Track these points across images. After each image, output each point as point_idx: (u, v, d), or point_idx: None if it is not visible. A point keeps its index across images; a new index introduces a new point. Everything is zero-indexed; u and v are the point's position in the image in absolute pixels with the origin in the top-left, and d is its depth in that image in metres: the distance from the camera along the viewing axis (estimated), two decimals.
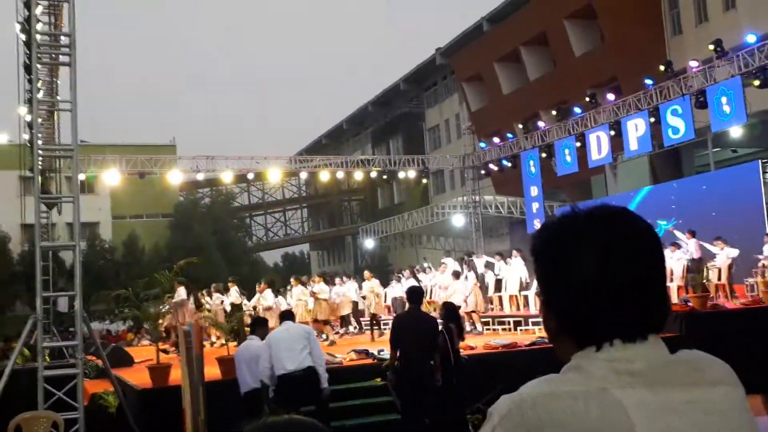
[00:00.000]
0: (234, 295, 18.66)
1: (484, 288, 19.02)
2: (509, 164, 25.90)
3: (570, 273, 1.28)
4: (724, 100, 17.81)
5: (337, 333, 18.73)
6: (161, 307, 12.78)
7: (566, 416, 1.18)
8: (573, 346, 1.29)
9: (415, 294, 9.56)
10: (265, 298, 17.84)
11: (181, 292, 18.61)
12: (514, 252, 19.76)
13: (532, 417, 1.20)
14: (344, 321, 19.49)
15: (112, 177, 24.77)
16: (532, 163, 24.53)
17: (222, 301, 18.79)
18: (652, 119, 19.73)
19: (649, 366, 1.23)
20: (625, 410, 1.17)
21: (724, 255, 15.73)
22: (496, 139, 27.04)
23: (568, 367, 1.27)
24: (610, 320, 1.25)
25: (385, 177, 28.85)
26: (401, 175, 28.53)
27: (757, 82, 17.16)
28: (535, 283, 18.70)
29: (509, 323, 17.10)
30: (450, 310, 10.22)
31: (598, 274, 1.25)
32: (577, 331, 1.28)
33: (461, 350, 10.20)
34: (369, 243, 42.68)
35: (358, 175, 28.21)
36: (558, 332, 1.32)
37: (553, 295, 1.33)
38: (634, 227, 1.30)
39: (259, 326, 9.38)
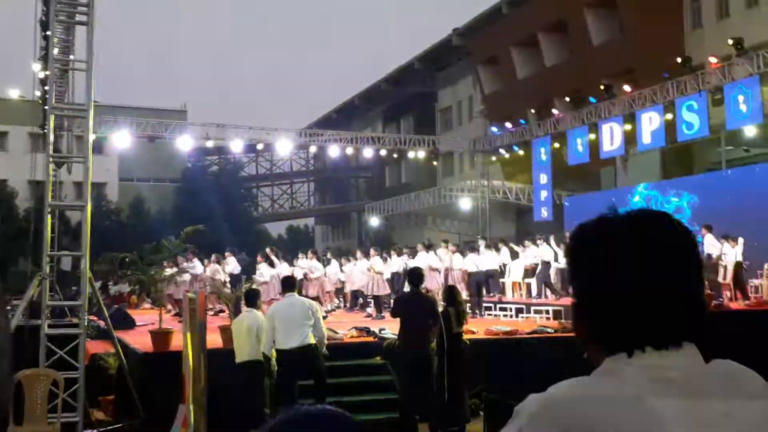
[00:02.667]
0: (232, 264, 18.66)
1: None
2: (520, 150, 25.81)
3: (605, 276, 1.25)
4: (741, 98, 17.69)
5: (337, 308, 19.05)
6: (168, 273, 12.80)
7: (600, 422, 1.15)
8: (604, 350, 1.26)
9: (416, 275, 9.58)
10: (262, 274, 17.87)
11: (197, 264, 18.70)
12: (527, 242, 19.68)
13: (564, 420, 1.16)
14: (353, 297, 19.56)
15: (121, 139, 24.74)
16: (543, 150, 24.44)
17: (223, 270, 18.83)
18: (667, 113, 19.62)
19: (686, 375, 1.20)
20: (660, 419, 1.14)
21: (733, 254, 15.68)
22: (508, 124, 26.93)
23: (600, 371, 1.24)
24: (645, 326, 1.22)
25: (394, 156, 28.78)
26: (410, 154, 28.46)
27: None
28: (539, 270, 18.72)
29: (511, 309, 17.11)
30: (450, 293, 10.20)
31: (634, 278, 1.22)
32: (610, 335, 1.25)
33: (464, 334, 10.18)
34: (374, 221, 42.65)
35: (368, 153, 28.14)
36: (589, 336, 1.30)
37: (586, 298, 1.30)
38: (673, 232, 1.28)
39: (253, 299, 9.37)
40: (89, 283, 10.26)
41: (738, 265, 15.64)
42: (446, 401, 9.31)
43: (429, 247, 19.16)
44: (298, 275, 17.12)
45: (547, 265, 17.84)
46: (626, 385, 1.19)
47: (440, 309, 9.52)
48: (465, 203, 32.39)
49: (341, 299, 20.68)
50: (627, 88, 21.28)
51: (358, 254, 19.40)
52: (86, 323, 10.32)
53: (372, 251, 18.81)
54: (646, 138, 20.33)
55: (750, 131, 20.33)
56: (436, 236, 37.97)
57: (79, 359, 9.76)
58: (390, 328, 11.42)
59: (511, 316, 16.76)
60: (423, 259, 17.58)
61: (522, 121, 26.33)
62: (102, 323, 12.56)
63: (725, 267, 15.80)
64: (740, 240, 15.91)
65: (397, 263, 18.60)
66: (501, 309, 17.49)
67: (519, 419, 1.21)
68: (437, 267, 17.77)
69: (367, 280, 17.87)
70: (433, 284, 16.82)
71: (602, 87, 22.18)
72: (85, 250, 10.01)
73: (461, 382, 9.50)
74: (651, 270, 1.23)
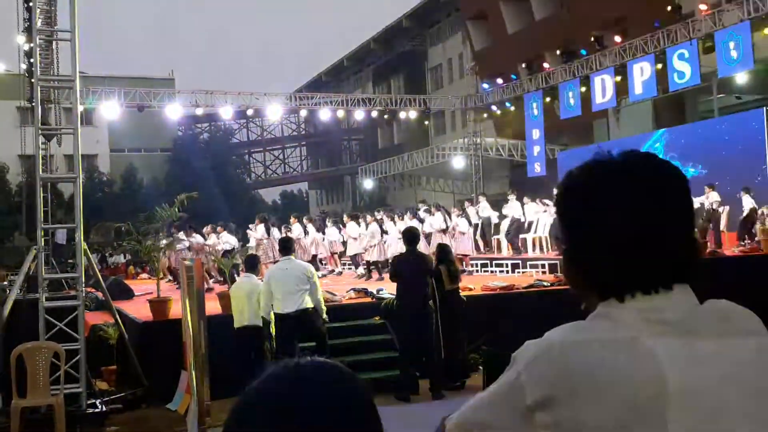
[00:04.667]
0: (225, 237, 18.64)
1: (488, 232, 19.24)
2: (512, 106, 25.69)
3: (593, 220, 1.25)
4: (731, 45, 17.57)
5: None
6: (162, 241, 12.77)
7: (596, 364, 1.16)
8: (596, 295, 1.26)
9: (411, 235, 9.62)
10: (257, 231, 17.94)
11: (196, 236, 18.69)
12: (510, 193, 19.79)
13: (560, 364, 1.17)
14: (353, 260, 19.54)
15: (110, 109, 24.52)
16: (535, 105, 24.33)
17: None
18: (659, 63, 19.50)
19: (680, 315, 1.20)
20: (656, 359, 1.15)
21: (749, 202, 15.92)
22: (499, 80, 26.75)
23: (595, 315, 1.24)
24: (637, 269, 1.22)
25: (385, 117, 28.61)
26: (402, 115, 28.28)
27: (767, 29, 16.91)
28: (535, 226, 18.78)
29: (507, 266, 17.17)
30: (441, 252, 10.23)
31: (622, 221, 1.22)
32: (602, 281, 1.25)
33: (460, 291, 10.24)
34: (368, 183, 42.63)
35: (359, 114, 27.96)
36: (581, 281, 1.29)
37: (576, 243, 1.29)
38: (663, 173, 1.26)
39: (252, 265, 9.39)
40: (85, 255, 10.24)
41: (753, 211, 15.84)
42: (442, 357, 9.40)
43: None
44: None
45: (515, 221, 18.39)
46: (620, 327, 1.19)
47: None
48: (458, 162, 32.33)
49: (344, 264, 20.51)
50: (618, 39, 21.10)
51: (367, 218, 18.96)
52: (84, 295, 10.31)
53: (369, 218, 18.62)
54: (637, 89, 20.24)
55: (741, 78, 20.25)
56: (431, 196, 38.05)
57: (79, 331, 9.78)
58: (388, 288, 11.47)
59: (507, 272, 16.82)
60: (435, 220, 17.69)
61: (513, 77, 26.15)
62: (100, 294, 12.58)
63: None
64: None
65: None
66: (497, 265, 17.55)
67: (516, 365, 1.23)
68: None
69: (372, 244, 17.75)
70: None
71: (593, 39, 22.01)
72: (79, 222, 9.97)
73: (458, 338, 9.59)
74: (639, 212, 1.22)
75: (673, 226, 1.24)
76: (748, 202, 16.05)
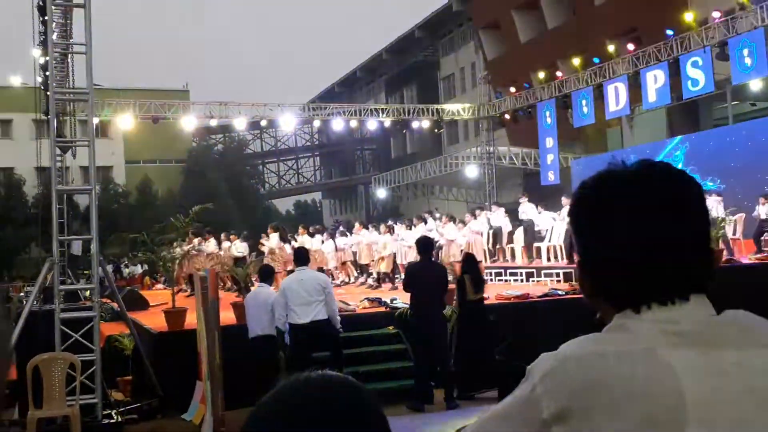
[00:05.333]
0: (237, 246, 18.69)
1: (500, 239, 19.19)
2: (525, 115, 25.65)
3: (607, 230, 1.24)
4: (745, 52, 17.49)
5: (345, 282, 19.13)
6: (178, 252, 12.84)
7: (613, 377, 1.14)
8: (611, 306, 1.25)
9: (425, 244, 9.59)
10: (270, 240, 17.96)
11: (212, 242, 18.80)
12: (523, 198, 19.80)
13: (577, 376, 1.16)
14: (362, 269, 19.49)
15: (125, 121, 24.73)
16: (548, 114, 24.29)
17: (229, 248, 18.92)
18: (672, 71, 19.44)
19: (697, 326, 1.19)
20: (673, 372, 1.13)
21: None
22: (512, 89, 26.74)
23: (611, 327, 1.23)
24: (652, 280, 1.21)
25: (398, 126, 28.65)
26: (415, 124, 28.31)
27: None
28: (549, 234, 18.71)
29: (521, 274, 17.12)
30: (467, 261, 10.23)
31: (638, 232, 1.21)
32: (617, 292, 1.24)
33: (484, 300, 10.20)
34: (381, 193, 42.61)
35: (372, 124, 28.02)
36: (595, 293, 1.28)
37: (589, 254, 1.28)
38: (677, 182, 1.26)
39: (267, 275, 9.41)
40: (100, 266, 10.31)
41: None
42: (460, 367, 9.38)
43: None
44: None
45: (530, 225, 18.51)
46: (637, 339, 1.18)
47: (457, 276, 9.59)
48: (471, 171, 32.29)
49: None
50: (631, 47, 21.05)
51: (382, 227, 18.91)
52: (99, 305, 10.37)
53: (383, 228, 18.55)
54: (651, 96, 20.18)
55: (756, 85, 20.12)
56: (444, 205, 37.99)
57: (95, 341, 9.83)
58: (401, 297, 11.46)
59: (522, 281, 16.77)
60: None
61: (526, 85, 26.13)
62: (116, 305, 12.64)
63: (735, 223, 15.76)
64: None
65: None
66: (511, 274, 17.50)
67: (532, 378, 1.21)
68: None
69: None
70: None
71: (606, 47, 21.97)
72: (95, 233, 10.04)
73: (480, 348, 9.53)
74: (652, 222, 1.21)
75: (687, 237, 1.23)
76: (764, 210, 15.88)
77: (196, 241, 17.50)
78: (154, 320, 11.92)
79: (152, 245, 11.99)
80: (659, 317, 1.20)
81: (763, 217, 15.86)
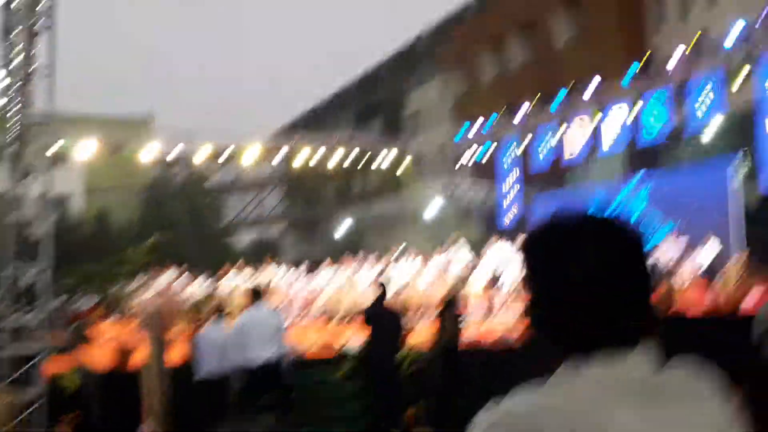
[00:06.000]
0: (197, 283, 18.38)
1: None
2: (487, 152, 25.86)
3: (557, 278, 1.25)
4: (704, 92, 17.83)
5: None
6: (131, 287, 12.55)
7: None
8: (558, 354, 1.26)
9: (381, 288, 9.47)
10: (227, 277, 17.72)
11: (166, 276, 18.42)
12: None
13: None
14: None
15: (85, 150, 24.33)
16: (510, 152, 24.51)
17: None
18: (633, 111, 19.75)
19: (640, 379, 1.19)
20: (614, 426, 1.13)
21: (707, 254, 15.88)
22: (476, 127, 26.96)
23: (554, 379, 1.23)
24: (596, 331, 1.22)
25: (363, 161, 28.68)
26: (379, 159, 28.34)
27: (740, 78, 17.19)
28: (503, 278, 18.69)
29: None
30: (445, 301, 10.13)
31: (585, 281, 1.22)
32: (562, 339, 1.25)
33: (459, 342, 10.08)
34: (344, 227, 42.51)
35: (336, 158, 28.00)
36: (541, 339, 1.29)
37: (536, 301, 1.29)
38: (624, 235, 1.27)
39: (220, 312, 9.18)
40: (50, 299, 9.99)
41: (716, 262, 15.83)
42: (444, 407, 9.20)
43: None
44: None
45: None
46: (580, 391, 1.18)
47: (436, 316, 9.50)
48: (434, 207, 32.35)
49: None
50: (592, 87, 21.36)
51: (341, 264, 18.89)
52: (46, 341, 10.02)
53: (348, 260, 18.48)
54: (611, 136, 20.47)
55: (715, 124, 20.48)
56: (407, 240, 37.94)
57: (40, 378, 9.49)
58: (355, 339, 11.27)
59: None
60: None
61: (489, 123, 26.36)
62: (64, 340, 12.25)
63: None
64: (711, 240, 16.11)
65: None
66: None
67: None
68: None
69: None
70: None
71: (567, 87, 22.29)
72: (47, 265, 9.74)
73: (457, 388, 9.37)
74: (597, 274, 1.22)
75: (631, 289, 1.24)
76: (712, 252, 15.99)
77: (150, 274, 17.18)
78: (102, 357, 11.56)
79: (107, 278, 11.71)
80: (601, 369, 1.20)
81: (713, 255, 16.00)
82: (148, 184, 46.55)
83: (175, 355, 9.75)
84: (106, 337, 14.50)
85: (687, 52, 19.14)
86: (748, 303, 13.95)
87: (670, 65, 18.90)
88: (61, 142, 23.74)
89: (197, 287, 18.47)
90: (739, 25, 17.41)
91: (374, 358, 8.99)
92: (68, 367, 11.20)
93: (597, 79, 22.00)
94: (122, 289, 11.68)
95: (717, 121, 19.50)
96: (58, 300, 12.68)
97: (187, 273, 18.89)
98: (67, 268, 21.63)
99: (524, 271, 1.32)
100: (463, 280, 19.39)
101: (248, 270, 19.04)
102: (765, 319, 11.50)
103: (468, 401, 9.09)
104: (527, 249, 1.33)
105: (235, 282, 17.56)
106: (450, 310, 9.71)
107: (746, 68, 17.04)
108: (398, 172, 39.67)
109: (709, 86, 17.66)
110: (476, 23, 36.36)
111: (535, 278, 1.30)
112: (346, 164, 32.05)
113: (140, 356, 9.47)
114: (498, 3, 34.39)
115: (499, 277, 18.66)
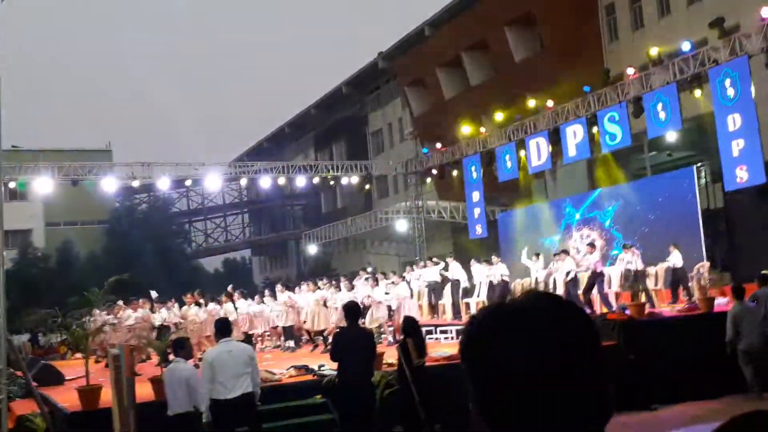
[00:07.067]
0: (162, 314, 18.10)
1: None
2: (451, 170, 25.97)
3: (497, 372, 1.14)
4: (659, 106, 18.12)
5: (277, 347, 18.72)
6: (94, 324, 12.29)
7: None
8: None
9: (351, 310, 9.34)
10: (197, 314, 17.43)
11: (129, 313, 18.11)
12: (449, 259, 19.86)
13: None
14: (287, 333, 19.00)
15: (44, 184, 23.98)
16: (473, 168, 24.65)
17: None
18: (591, 126, 20.00)
19: None
20: None
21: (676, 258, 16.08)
22: (438, 144, 27.10)
23: None
24: (545, 422, 1.11)
25: (328, 182, 28.61)
26: (344, 180, 28.32)
27: (698, 91, 17.54)
28: (479, 289, 18.75)
29: (451, 332, 16.99)
30: (407, 325, 10.03)
31: (528, 371, 1.12)
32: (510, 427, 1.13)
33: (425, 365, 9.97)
34: (312, 248, 42.31)
35: (301, 181, 27.92)
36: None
37: (481, 396, 1.17)
38: (566, 317, 1.18)
39: (182, 347, 8.94)
40: (7, 344, 9.73)
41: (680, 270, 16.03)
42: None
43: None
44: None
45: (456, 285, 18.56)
46: None
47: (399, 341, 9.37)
48: (401, 225, 32.38)
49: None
50: (550, 103, 21.60)
51: (305, 286, 18.84)
52: (7, 385, 9.76)
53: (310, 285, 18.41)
54: (571, 151, 20.68)
55: (672, 136, 20.86)
56: (376, 260, 37.89)
57: (2, 422, 9.23)
58: (329, 364, 11.15)
59: (453, 338, 16.62)
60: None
61: (451, 141, 26.50)
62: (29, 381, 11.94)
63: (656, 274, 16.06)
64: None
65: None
66: (441, 332, 17.37)
67: None
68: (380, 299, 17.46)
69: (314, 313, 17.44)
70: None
71: (526, 103, 22.51)
72: (1, 307, 9.48)
73: (429, 414, 9.26)
74: (542, 362, 1.12)
75: (580, 373, 1.13)
76: (676, 258, 16.21)
77: (113, 311, 16.87)
78: (69, 397, 11.31)
79: (68, 320, 11.46)
80: None
81: (676, 265, 16.20)
82: (110, 214, 45.91)
83: (144, 391, 9.56)
84: (74, 373, 14.20)
85: (640, 68, 19.45)
86: (718, 303, 14.24)
87: (625, 81, 19.19)
88: (18, 179, 23.39)
89: (164, 317, 18.21)
90: (686, 46, 17.81)
91: (347, 384, 8.87)
92: (35, 408, 10.92)
93: (555, 93, 22.28)
94: (81, 332, 11.38)
95: (673, 133, 19.85)
96: (25, 336, 12.38)
97: (153, 305, 18.62)
98: (28, 311, 21.19)
99: (466, 368, 1.20)
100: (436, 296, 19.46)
101: (211, 302, 18.69)
102: (734, 320, 11.78)
103: (443, 424, 9.06)
104: (466, 344, 1.21)
105: (196, 314, 17.35)
106: (413, 334, 9.60)
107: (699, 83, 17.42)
108: (363, 192, 39.76)
109: (661, 103, 17.97)
110: (433, 42, 36.62)
111: (474, 375, 1.18)
112: (311, 185, 31.96)
113: (108, 395, 9.26)
114: (455, 22, 34.69)
115: (473, 289, 18.73)
